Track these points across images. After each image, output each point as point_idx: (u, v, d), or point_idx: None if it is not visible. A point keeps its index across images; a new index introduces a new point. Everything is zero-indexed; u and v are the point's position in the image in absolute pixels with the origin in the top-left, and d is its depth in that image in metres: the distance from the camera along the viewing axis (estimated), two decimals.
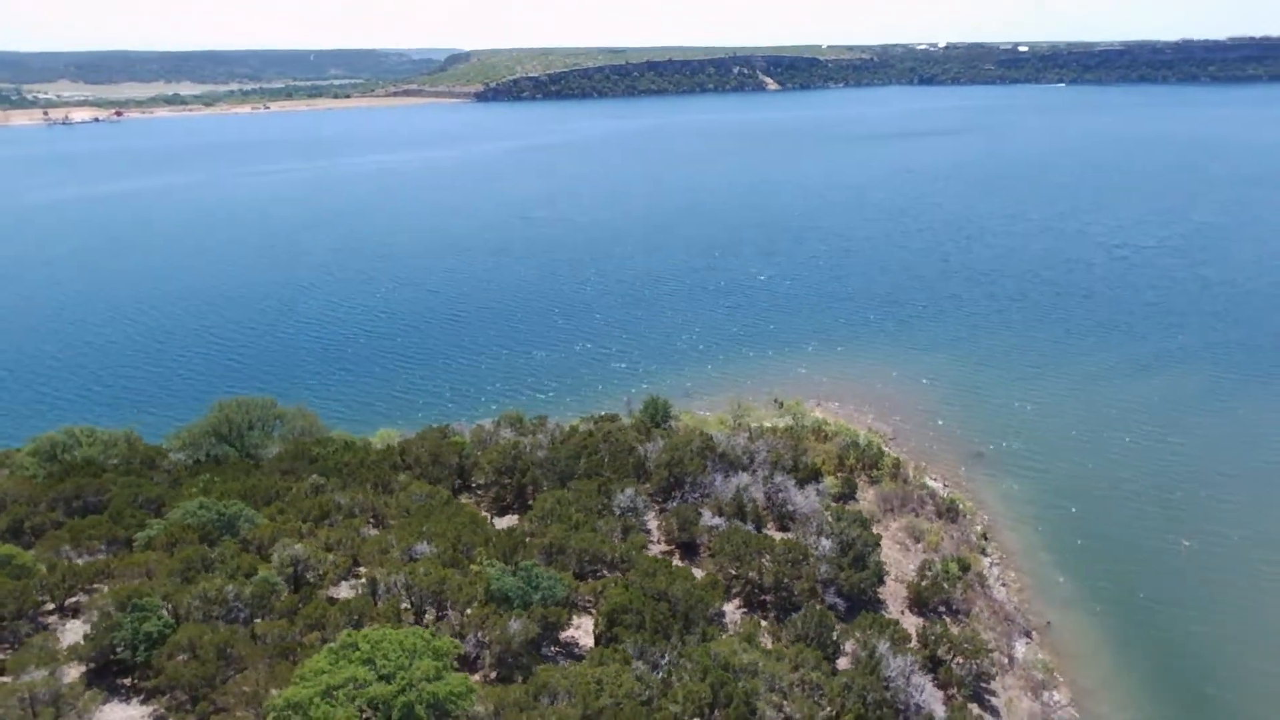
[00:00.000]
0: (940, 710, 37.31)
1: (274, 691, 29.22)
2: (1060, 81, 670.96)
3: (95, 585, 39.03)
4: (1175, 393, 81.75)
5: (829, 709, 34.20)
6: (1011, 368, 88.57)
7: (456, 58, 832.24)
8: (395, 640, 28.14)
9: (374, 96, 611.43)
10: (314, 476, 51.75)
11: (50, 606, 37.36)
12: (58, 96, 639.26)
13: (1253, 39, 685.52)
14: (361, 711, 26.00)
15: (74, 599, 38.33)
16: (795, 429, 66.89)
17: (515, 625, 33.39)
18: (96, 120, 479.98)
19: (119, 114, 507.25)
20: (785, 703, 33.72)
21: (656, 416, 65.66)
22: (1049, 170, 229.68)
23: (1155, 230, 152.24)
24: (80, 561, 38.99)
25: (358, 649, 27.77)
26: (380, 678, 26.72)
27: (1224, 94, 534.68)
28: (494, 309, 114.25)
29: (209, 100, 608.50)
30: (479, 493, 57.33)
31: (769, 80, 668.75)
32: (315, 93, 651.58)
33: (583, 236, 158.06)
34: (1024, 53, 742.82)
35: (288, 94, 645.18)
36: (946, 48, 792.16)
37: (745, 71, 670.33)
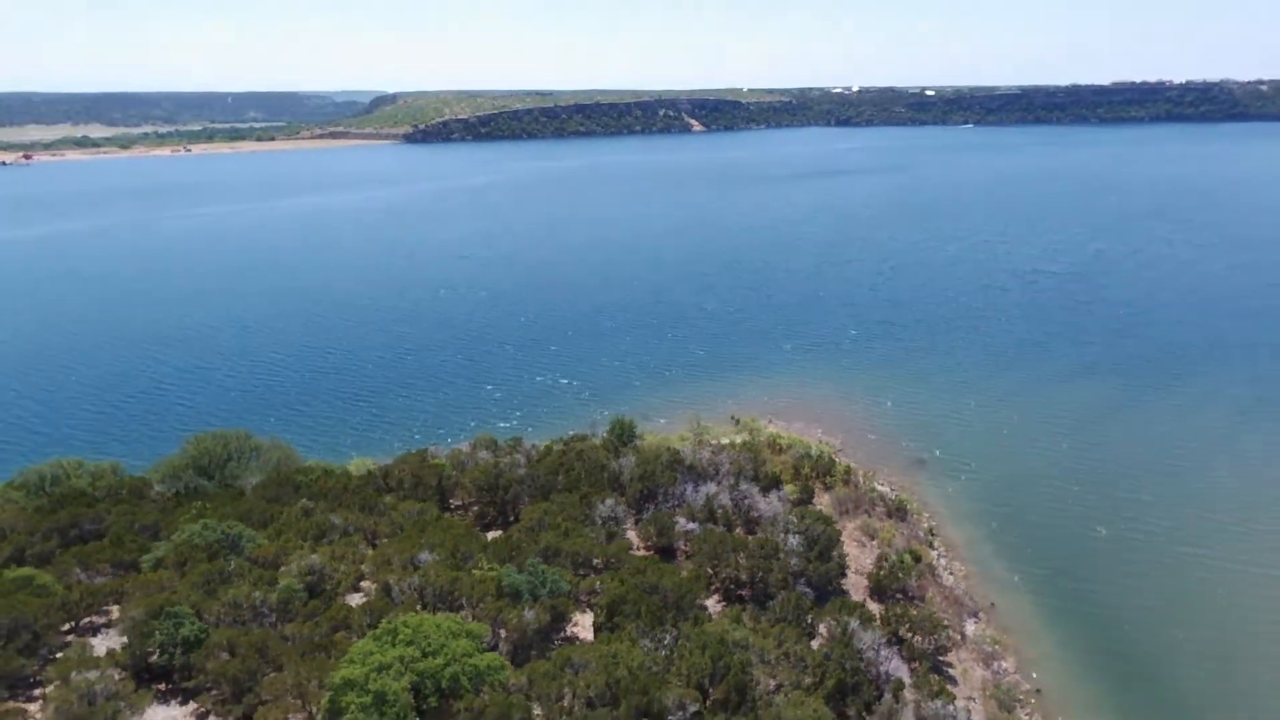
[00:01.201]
0: (907, 678, 41.68)
1: (314, 682, 31.59)
2: (967, 123, 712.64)
3: (106, 606, 40.35)
4: (1087, 402, 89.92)
5: (812, 677, 38.17)
6: (942, 384, 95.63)
7: (382, 100, 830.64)
8: (433, 624, 30.99)
9: (299, 139, 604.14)
10: (303, 501, 53.57)
11: (66, 626, 38.45)
12: None
13: (1133, 84, 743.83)
14: (412, 683, 28.70)
15: (88, 619, 39.52)
16: (752, 443, 71.50)
17: (530, 615, 36.48)
18: (4, 164, 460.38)
19: (28, 157, 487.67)
20: (775, 672, 37.59)
21: (623, 435, 69.29)
22: (962, 205, 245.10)
23: (1060, 258, 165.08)
24: (98, 581, 40.14)
25: (399, 633, 30.47)
26: (425, 655, 29.50)
27: (1111, 134, 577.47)
28: (445, 345, 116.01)
29: (124, 143, 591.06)
30: (460, 512, 59.84)
31: (694, 122, 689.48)
32: (236, 135, 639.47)
33: (524, 274, 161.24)
34: (931, 96, 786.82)
35: (208, 136, 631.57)
36: (860, 91, 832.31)
37: (671, 113, 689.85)
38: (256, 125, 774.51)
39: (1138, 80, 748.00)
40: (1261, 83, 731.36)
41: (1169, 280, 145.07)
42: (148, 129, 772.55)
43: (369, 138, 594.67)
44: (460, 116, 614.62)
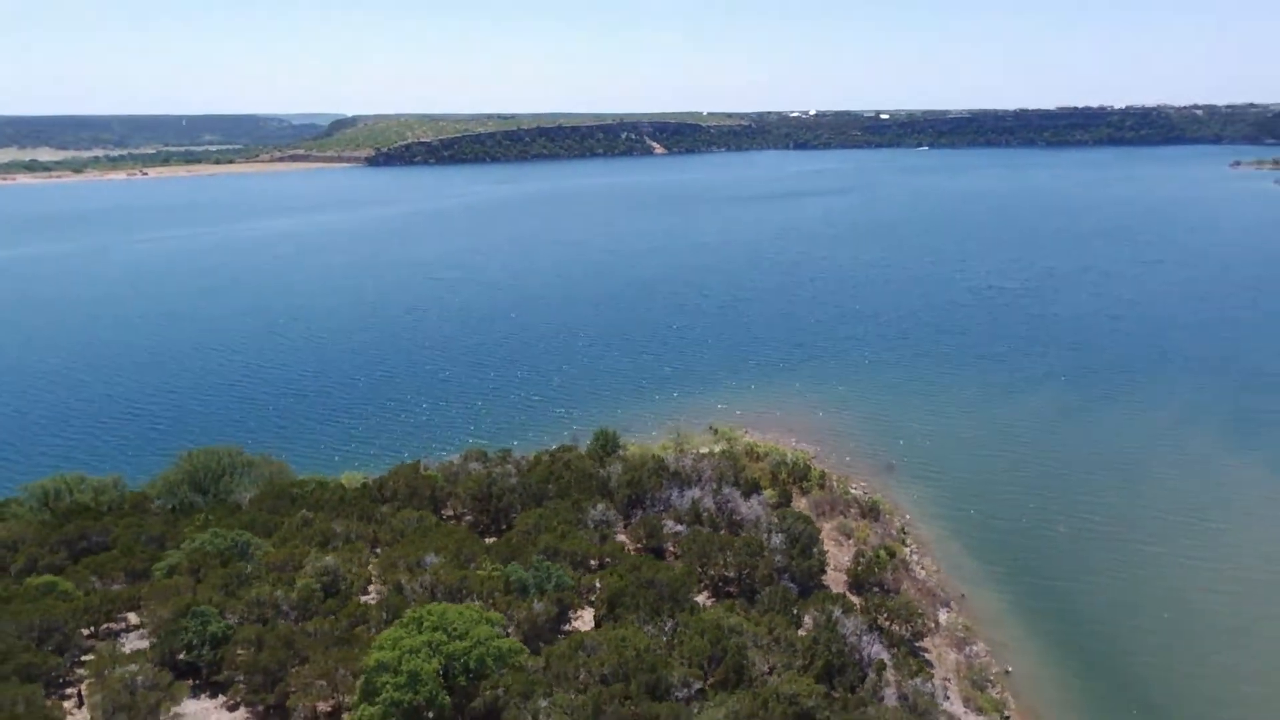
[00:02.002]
0: (888, 660, 44.64)
1: (341, 671, 33.51)
2: (922, 145, 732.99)
3: (122, 613, 41.60)
4: (1041, 410, 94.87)
5: (802, 660, 40.94)
6: (907, 394, 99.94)
7: (342, 123, 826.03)
8: (455, 612, 33.19)
9: (259, 162, 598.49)
10: (303, 511, 55.08)
11: (86, 632, 39.62)
12: None
13: (1076, 109, 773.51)
14: (440, 665, 30.84)
15: (106, 625, 40.73)
16: (731, 452, 74.54)
17: (539, 606, 38.76)
18: None
19: None
20: (768, 656, 40.29)
21: (607, 446, 71.85)
22: (919, 225, 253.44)
23: (1012, 275, 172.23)
24: (114, 588, 41.40)
25: (424, 620, 32.59)
26: (451, 639, 31.68)
27: (1057, 156, 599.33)
28: (421, 365, 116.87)
29: (76, 166, 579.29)
30: (454, 521, 61.66)
31: (656, 145, 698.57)
32: (193, 158, 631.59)
33: (495, 295, 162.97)
34: (885, 120, 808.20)
35: (164, 159, 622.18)
36: (817, 115, 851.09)
37: (633, 137, 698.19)
38: (213, 148, 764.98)
39: (1081, 105, 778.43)
40: (1196, 108, 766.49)
41: (1116, 295, 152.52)
42: (98, 152, 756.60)
43: (331, 161, 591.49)
44: (423, 139, 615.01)
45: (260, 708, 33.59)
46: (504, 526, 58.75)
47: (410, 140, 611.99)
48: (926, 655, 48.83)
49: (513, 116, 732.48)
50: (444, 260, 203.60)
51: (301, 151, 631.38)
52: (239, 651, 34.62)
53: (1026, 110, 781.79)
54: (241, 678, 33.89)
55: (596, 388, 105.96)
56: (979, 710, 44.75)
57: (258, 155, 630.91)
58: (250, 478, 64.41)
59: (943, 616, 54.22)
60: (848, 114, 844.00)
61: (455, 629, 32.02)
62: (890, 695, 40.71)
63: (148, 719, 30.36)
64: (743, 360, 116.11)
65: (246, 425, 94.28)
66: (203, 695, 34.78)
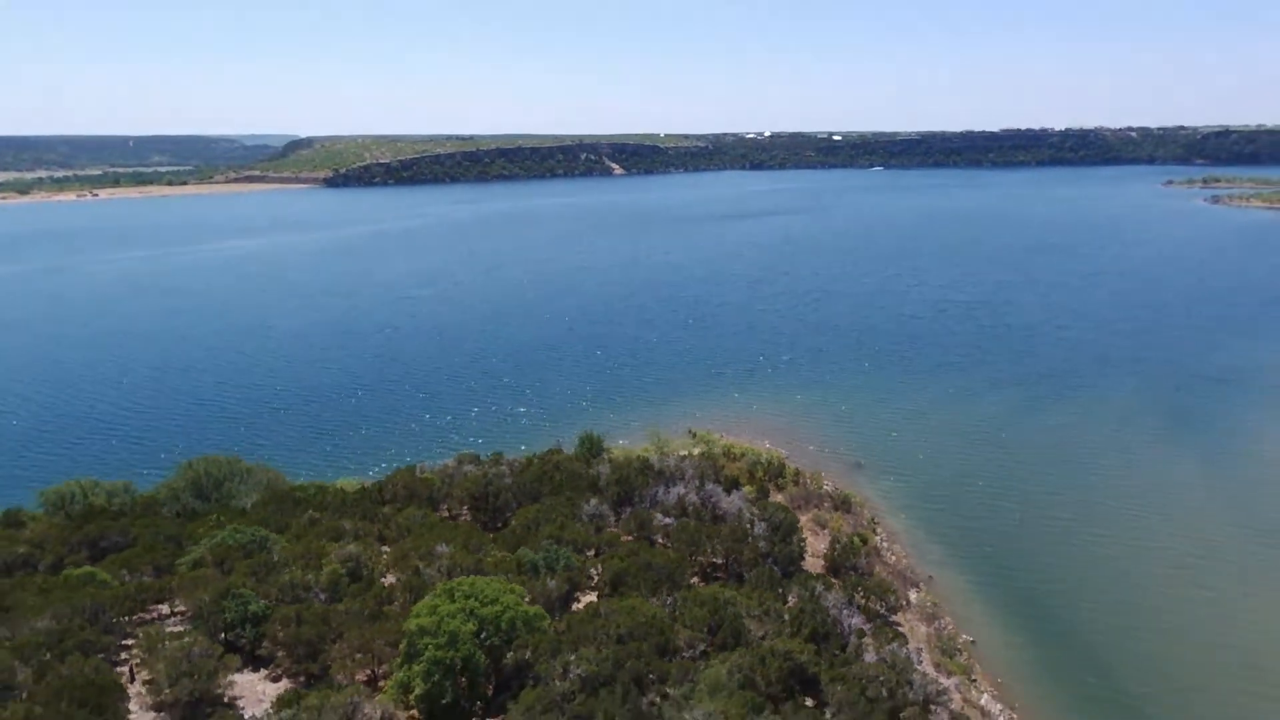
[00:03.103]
0: (867, 629, 48.91)
1: (378, 642, 36.56)
2: (875, 165, 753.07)
3: (152, 605, 43.92)
4: (996, 411, 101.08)
5: (791, 628, 44.97)
6: (870, 400, 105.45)
7: (298, 144, 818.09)
8: (484, 583, 36.53)
9: (214, 183, 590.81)
10: (310, 512, 57.63)
11: (124, 620, 41.88)
12: None
13: (1019, 131, 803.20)
14: (475, 629, 34.16)
15: (138, 615, 43.00)
16: (710, 453, 78.72)
17: (552, 584, 42.19)
18: None
19: None
20: (761, 624, 44.24)
21: (593, 449, 75.47)
22: (875, 241, 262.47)
23: (965, 288, 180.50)
24: (146, 580, 43.71)
25: (456, 591, 35.88)
26: (484, 604, 35.04)
27: (1002, 176, 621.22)
28: (399, 381, 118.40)
29: (21, 188, 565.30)
30: (451, 522, 64.54)
31: (615, 166, 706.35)
32: (143, 179, 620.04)
33: (468, 312, 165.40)
34: (838, 141, 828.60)
35: (113, 180, 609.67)
36: (771, 136, 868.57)
37: (593, 158, 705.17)
38: (163, 169, 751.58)
39: (1024, 127, 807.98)
40: (1131, 130, 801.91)
41: (1061, 305, 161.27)
42: (42, 173, 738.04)
43: (287, 181, 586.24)
44: (381, 160, 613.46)
45: (303, 678, 36.33)
46: (500, 524, 61.85)
47: (368, 161, 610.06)
48: (900, 628, 53.20)
49: (471, 137, 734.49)
50: (413, 279, 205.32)
51: (258, 172, 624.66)
52: (278, 629, 37.36)
53: (973, 132, 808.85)
54: (283, 652, 36.62)
55: (575, 399, 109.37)
56: (949, 673, 49.20)
57: (212, 176, 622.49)
58: (250, 484, 66.48)
59: (913, 595, 58.83)
60: (802, 135, 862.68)
61: (485, 596, 35.32)
62: (870, 657, 44.90)
63: (208, 683, 33.05)
64: (713, 372, 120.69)
65: (227, 442, 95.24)
66: (246, 670, 37.39)
